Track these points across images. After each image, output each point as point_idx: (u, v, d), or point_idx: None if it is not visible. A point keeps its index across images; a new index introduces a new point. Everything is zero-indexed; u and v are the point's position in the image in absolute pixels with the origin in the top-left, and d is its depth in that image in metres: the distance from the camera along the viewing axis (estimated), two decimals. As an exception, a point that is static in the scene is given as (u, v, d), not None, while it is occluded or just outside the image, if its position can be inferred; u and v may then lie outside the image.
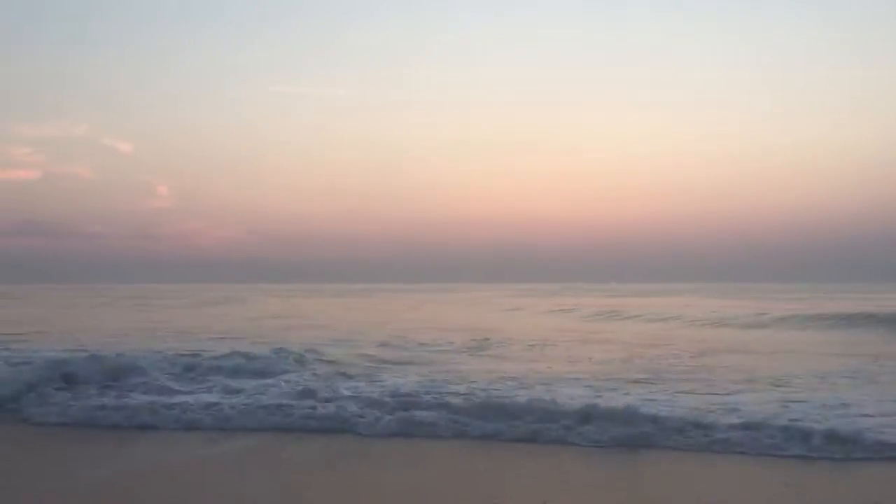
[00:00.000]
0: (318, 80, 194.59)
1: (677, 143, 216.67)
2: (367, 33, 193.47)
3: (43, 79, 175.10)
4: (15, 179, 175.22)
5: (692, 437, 8.90)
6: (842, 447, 8.29)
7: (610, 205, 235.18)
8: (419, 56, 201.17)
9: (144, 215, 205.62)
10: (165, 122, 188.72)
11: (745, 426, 9.07)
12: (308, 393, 11.70)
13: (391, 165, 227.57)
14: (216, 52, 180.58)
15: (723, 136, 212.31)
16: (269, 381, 13.36)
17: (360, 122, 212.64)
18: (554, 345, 21.84)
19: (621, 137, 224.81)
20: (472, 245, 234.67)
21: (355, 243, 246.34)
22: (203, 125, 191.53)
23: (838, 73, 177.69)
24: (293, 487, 7.34)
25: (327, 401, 11.10)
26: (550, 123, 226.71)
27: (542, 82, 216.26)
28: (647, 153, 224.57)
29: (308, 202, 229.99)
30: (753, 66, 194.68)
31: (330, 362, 16.50)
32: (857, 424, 9.11)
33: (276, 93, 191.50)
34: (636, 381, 13.44)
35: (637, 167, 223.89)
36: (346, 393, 11.85)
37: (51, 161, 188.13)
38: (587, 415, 9.61)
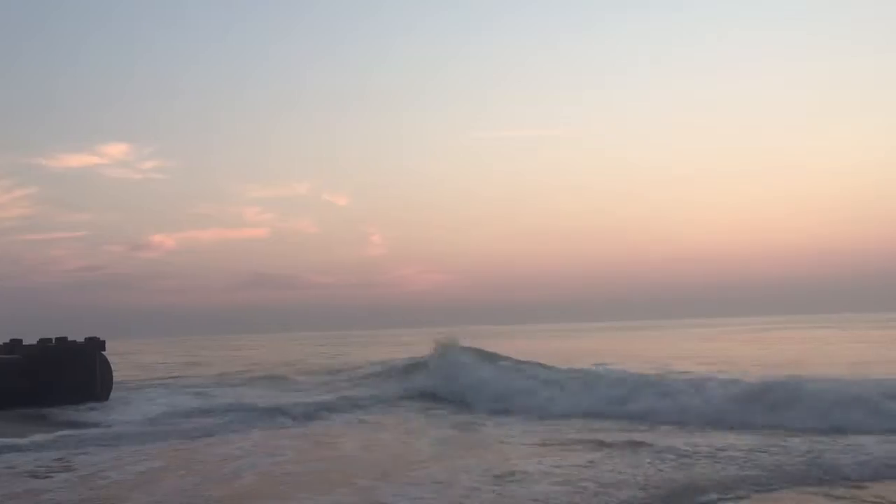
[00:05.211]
0: (519, 122, 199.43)
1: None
2: (564, 71, 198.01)
3: (267, 146, 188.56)
4: (247, 237, 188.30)
5: None
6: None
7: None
8: (616, 90, 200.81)
9: (362, 263, 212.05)
10: (376, 174, 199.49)
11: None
12: None
13: (593, 204, 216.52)
14: (416, 105, 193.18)
15: None
16: None
17: (565, 162, 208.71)
18: None
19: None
20: (683, 279, 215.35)
21: (561, 283, 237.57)
22: (409, 174, 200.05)
23: None
24: None
25: None
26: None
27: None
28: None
29: (512, 243, 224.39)
30: None
31: None
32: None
33: (476, 138, 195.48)
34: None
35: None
36: None
37: (277, 218, 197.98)
38: None
